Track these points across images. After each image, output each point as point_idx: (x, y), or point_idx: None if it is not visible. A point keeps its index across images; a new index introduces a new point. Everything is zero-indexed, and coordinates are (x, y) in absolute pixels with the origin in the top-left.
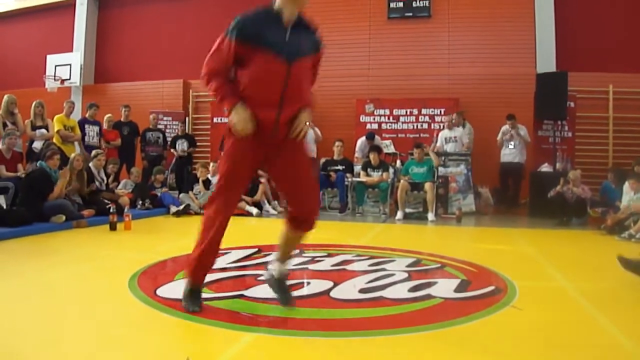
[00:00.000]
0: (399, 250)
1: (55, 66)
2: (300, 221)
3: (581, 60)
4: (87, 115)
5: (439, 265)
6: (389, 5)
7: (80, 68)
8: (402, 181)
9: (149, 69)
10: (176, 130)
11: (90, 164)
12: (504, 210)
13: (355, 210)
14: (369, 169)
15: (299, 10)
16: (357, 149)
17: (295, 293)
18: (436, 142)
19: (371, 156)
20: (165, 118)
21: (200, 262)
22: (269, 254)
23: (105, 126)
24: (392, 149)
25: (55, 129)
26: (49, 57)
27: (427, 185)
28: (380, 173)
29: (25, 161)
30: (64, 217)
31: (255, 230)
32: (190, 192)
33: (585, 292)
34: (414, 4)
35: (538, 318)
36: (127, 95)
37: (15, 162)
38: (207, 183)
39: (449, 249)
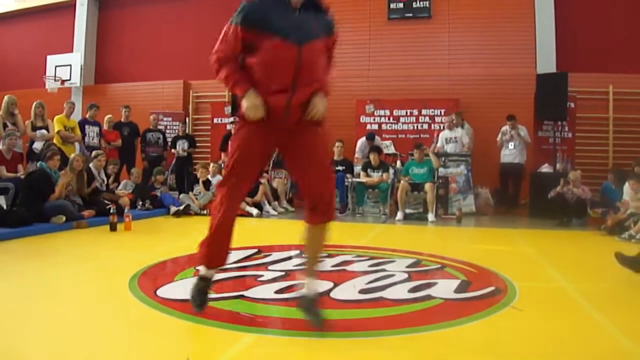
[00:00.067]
0: (399, 250)
1: (56, 67)
2: (312, 209)
3: (581, 60)
4: (87, 116)
5: (439, 265)
6: (389, 5)
7: (81, 69)
8: (402, 182)
9: (149, 69)
10: (176, 131)
11: (91, 165)
12: (504, 211)
13: (355, 211)
14: (369, 170)
15: None
16: (357, 149)
17: (295, 294)
18: (436, 142)
19: (371, 157)
20: (165, 119)
21: (210, 246)
22: (269, 255)
23: (105, 127)
24: (392, 150)
25: (56, 130)
26: (49, 57)
27: (427, 186)
28: (380, 174)
29: (26, 162)
30: (64, 218)
31: (255, 230)
32: (190, 193)
33: (585, 293)
34: (414, 5)
35: (538, 319)
36: (127, 95)
37: (15, 162)
38: (207, 184)
39: (449, 249)
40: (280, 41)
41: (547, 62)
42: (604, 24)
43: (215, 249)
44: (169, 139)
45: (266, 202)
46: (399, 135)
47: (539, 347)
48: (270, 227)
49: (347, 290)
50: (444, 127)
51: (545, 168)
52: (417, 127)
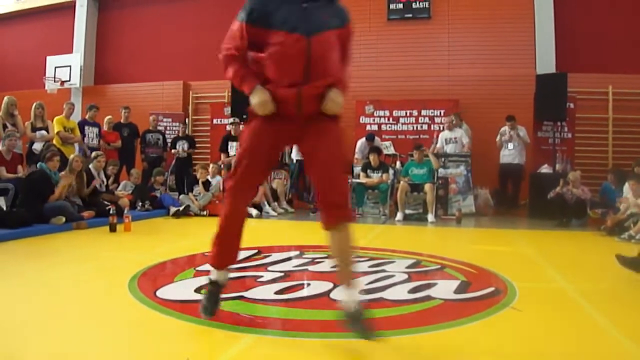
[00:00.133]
0: (398, 251)
1: (55, 67)
2: (325, 210)
3: (581, 61)
4: (87, 117)
5: (438, 266)
6: (389, 6)
7: (80, 69)
8: (402, 182)
9: (149, 70)
10: (176, 132)
11: (90, 166)
12: (503, 212)
13: (355, 212)
14: (368, 170)
15: None
16: (356, 150)
17: (295, 294)
18: (436, 143)
19: (371, 157)
20: (165, 119)
21: (218, 245)
22: (268, 256)
23: (105, 128)
24: (391, 150)
25: (55, 131)
26: (48, 58)
27: (427, 187)
28: (380, 174)
29: (26, 163)
30: (64, 219)
31: (255, 231)
32: (190, 194)
33: (585, 293)
34: (413, 5)
35: (538, 319)
36: (127, 96)
37: (15, 163)
38: (206, 184)
39: (448, 250)
40: (287, 34)
41: (546, 62)
42: (603, 25)
43: (223, 247)
44: (169, 140)
45: (266, 203)
46: (399, 136)
47: (539, 347)
48: (270, 228)
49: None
50: (443, 127)
51: (545, 168)
52: (417, 127)
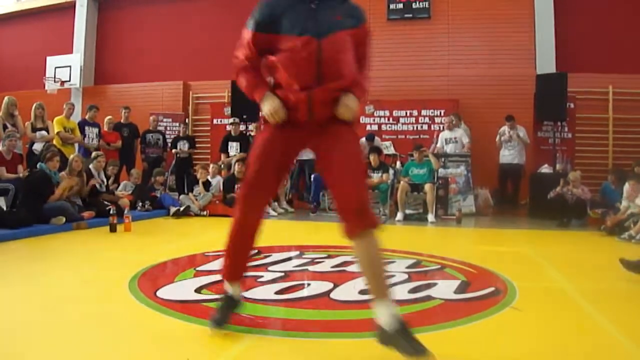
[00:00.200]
0: (399, 251)
1: (55, 68)
2: (346, 217)
3: (581, 61)
4: (87, 117)
5: (439, 266)
6: (389, 6)
7: (80, 70)
8: (402, 182)
9: (149, 70)
10: (176, 132)
11: (90, 166)
12: (504, 212)
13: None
14: (368, 171)
15: None
16: None
17: (296, 294)
18: (436, 143)
19: (371, 157)
20: (165, 119)
21: (228, 256)
22: (268, 256)
23: (105, 128)
24: (392, 150)
25: (55, 131)
26: (48, 58)
27: (427, 187)
28: (380, 174)
29: (26, 163)
30: (64, 219)
31: None
32: (190, 194)
33: (585, 293)
34: (413, 5)
35: (538, 319)
36: (127, 96)
37: (15, 163)
38: (207, 184)
39: (449, 250)
40: (296, 38)
41: (546, 62)
42: (603, 24)
43: (234, 259)
44: (169, 140)
45: None
46: (399, 136)
47: (539, 347)
48: (270, 228)
49: (347, 291)
50: (443, 127)
51: (545, 168)
52: (417, 127)
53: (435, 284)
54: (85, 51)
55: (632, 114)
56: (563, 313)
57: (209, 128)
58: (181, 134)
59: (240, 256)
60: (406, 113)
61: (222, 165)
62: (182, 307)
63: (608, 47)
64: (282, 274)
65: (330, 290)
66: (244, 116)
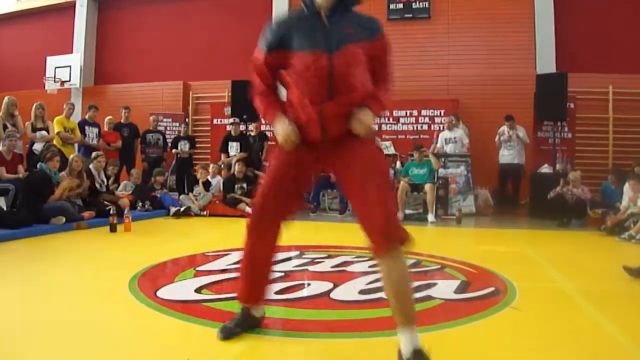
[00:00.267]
0: None
1: (55, 68)
2: (372, 237)
3: (581, 61)
4: (86, 117)
5: (438, 266)
6: (389, 6)
7: (80, 70)
8: (402, 182)
9: (149, 70)
10: (177, 132)
11: (91, 166)
12: (504, 212)
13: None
14: None
15: None
16: None
17: (296, 294)
18: (436, 143)
19: None
20: (165, 119)
21: (244, 280)
22: None
23: (105, 128)
24: (392, 150)
25: (56, 131)
26: (48, 58)
27: (427, 187)
28: None
29: (26, 163)
30: (64, 219)
31: None
32: (190, 194)
33: (585, 293)
34: (413, 5)
35: (538, 319)
36: (127, 96)
37: (15, 163)
38: (207, 184)
39: (449, 250)
40: (307, 54)
41: (546, 62)
42: (603, 24)
43: (248, 284)
44: (169, 140)
45: None
46: (399, 136)
47: (539, 347)
48: None
49: (347, 291)
50: (443, 127)
51: (545, 168)
52: (417, 127)
53: (435, 284)
54: (85, 51)
55: (632, 114)
56: (563, 313)
57: (209, 128)
58: (182, 134)
59: (255, 281)
60: (406, 113)
61: (222, 165)
62: (182, 307)
63: (608, 47)
64: (282, 274)
65: (330, 290)
66: (244, 116)
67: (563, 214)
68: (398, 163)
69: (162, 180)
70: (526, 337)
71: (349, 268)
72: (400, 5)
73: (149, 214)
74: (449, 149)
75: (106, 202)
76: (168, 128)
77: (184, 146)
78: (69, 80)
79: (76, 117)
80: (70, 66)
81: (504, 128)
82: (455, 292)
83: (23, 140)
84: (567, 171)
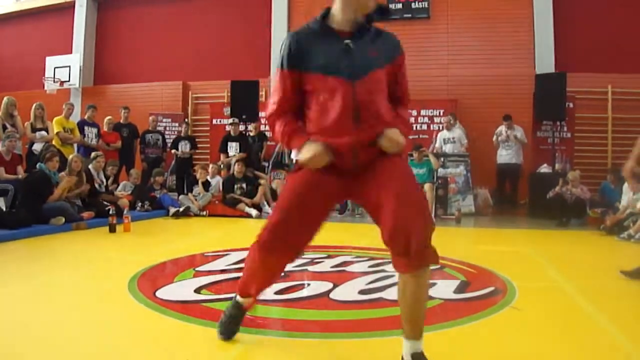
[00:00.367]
0: None
1: (55, 68)
2: (396, 251)
3: (580, 60)
4: (85, 117)
5: (438, 266)
6: (388, 6)
7: (80, 70)
8: None
9: (148, 70)
10: (176, 132)
11: (90, 166)
12: (503, 211)
13: (354, 211)
14: None
15: (362, 13)
16: None
17: (295, 295)
18: (435, 143)
19: None
20: (164, 120)
21: (248, 278)
22: None
23: (105, 128)
24: None
25: (55, 131)
26: (48, 59)
27: (427, 186)
28: None
29: (26, 163)
30: (63, 219)
31: (254, 232)
32: (189, 194)
33: (585, 292)
34: (412, 5)
35: (537, 318)
36: (126, 97)
37: (14, 164)
38: (206, 185)
39: (448, 249)
40: (328, 78)
41: (545, 62)
42: (602, 24)
43: (253, 282)
44: (168, 140)
45: (265, 203)
46: None
47: (539, 347)
48: None
49: (347, 291)
50: (442, 127)
51: (544, 168)
52: (416, 127)
53: (434, 284)
54: (85, 51)
55: (631, 114)
56: (562, 312)
57: (208, 128)
58: (182, 134)
59: (260, 283)
60: None
61: (222, 166)
62: (182, 308)
63: (607, 46)
64: (282, 274)
65: (330, 291)
66: (244, 116)
67: (562, 213)
68: None
69: (162, 180)
70: (526, 336)
71: (348, 268)
72: (400, 5)
73: (148, 214)
74: (447, 148)
75: (105, 203)
76: (167, 128)
77: (184, 146)
78: (69, 81)
79: (75, 117)
80: (69, 66)
81: (502, 128)
82: (455, 292)
83: (22, 140)
84: (566, 171)
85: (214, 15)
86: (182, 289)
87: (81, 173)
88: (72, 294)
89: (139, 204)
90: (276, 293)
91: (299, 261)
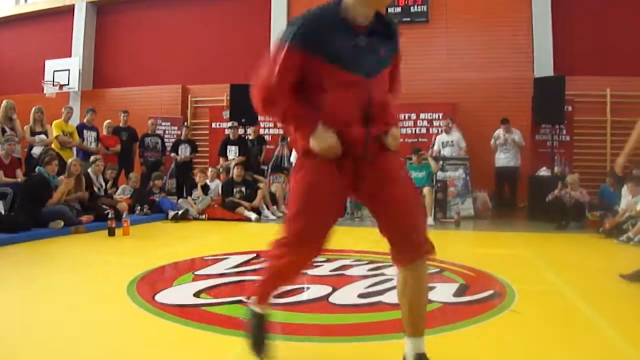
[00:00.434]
0: None
1: (54, 71)
2: (405, 248)
3: (579, 64)
4: (84, 121)
5: (437, 269)
6: (387, 10)
7: (79, 73)
8: None
9: (148, 74)
10: (175, 136)
11: (89, 170)
12: (502, 214)
13: (354, 215)
14: None
15: (378, 7)
16: None
17: (294, 298)
18: (433, 146)
19: None
20: (163, 123)
21: (270, 286)
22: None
23: (104, 132)
24: None
25: (54, 135)
26: (47, 62)
27: (426, 190)
28: None
29: (25, 167)
30: (62, 223)
31: (253, 235)
32: (189, 198)
33: (584, 296)
34: (411, 9)
35: (537, 322)
36: (125, 100)
37: (13, 167)
38: (205, 188)
39: (447, 253)
40: (344, 73)
41: (544, 65)
42: (601, 27)
43: (274, 288)
44: (167, 144)
45: (265, 207)
46: None
47: (538, 350)
48: (269, 232)
49: (346, 295)
50: (441, 130)
51: (543, 171)
52: (415, 131)
53: (433, 287)
54: (84, 55)
55: (630, 117)
56: (562, 316)
57: (207, 132)
58: (182, 137)
59: (283, 284)
60: (404, 116)
61: (221, 169)
62: (181, 312)
63: (606, 49)
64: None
65: (329, 294)
66: (243, 120)
67: (561, 216)
68: None
69: (161, 184)
70: (525, 339)
71: (347, 272)
72: (399, 9)
73: (147, 217)
74: (446, 152)
75: (104, 206)
76: (166, 132)
77: (184, 150)
78: (68, 84)
79: (75, 120)
80: (68, 70)
81: (500, 131)
82: (454, 295)
83: (22, 144)
84: (565, 174)
85: (213, 18)
86: (181, 293)
87: (80, 177)
88: (71, 298)
89: (138, 207)
90: (275, 297)
91: None
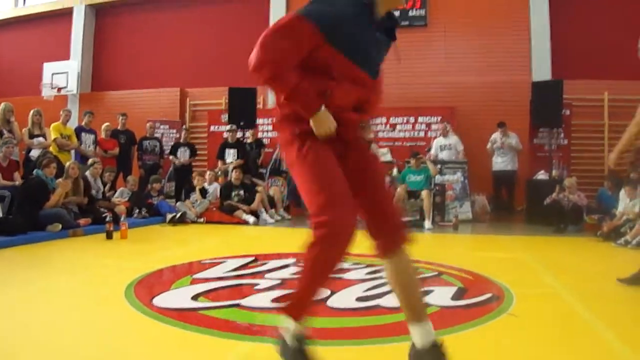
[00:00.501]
0: None
1: (52, 74)
2: (388, 234)
3: (576, 68)
4: (83, 123)
5: (435, 273)
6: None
7: (78, 76)
8: (398, 189)
9: (146, 77)
10: (174, 139)
11: (87, 173)
12: (500, 218)
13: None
14: None
15: (392, 8)
16: None
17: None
18: (431, 149)
19: None
20: (162, 126)
21: (309, 295)
22: (265, 263)
23: (102, 135)
24: (388, 158)
25: (52, 137)
26: (45, 65)
27: (424, 193)
28: None
29: (23, 169)
30: (60, 226)
31: (251, 239)
32: (187, 201)
33: (582, 299)
34: (410, 13)
35: (535, 325)
36: (124, 103)
37: (11, 170)
38: (203, 191)
39: (445, 256)
40: (356, 69)
41: (542, 69)
42: (598, 31)
43: (313, 296)
44: (166, 147)
45: (263, 210)
46: (396, 143)
47: (536, 353)
48: (267, 235)
49: (344, 298)
50: (438, 134)
51: (541, 175)
52: (414, 134)
53: (431, 291)
54: (83, 57)
55: (627, 121)
56: (560, 319)
57: (205, 135)
58: (181, 140)
59: (326, 282)
60: (403, 120)
61: (219, 172)
62: (179, 315)
63: (603, 53)
64: (279, 281)
65: (327, 298)
66: (241, 123)
67: (559, 220)
68: (395, 170)
69: (159, 187)
70: (523, 343)
71: (345, 275)
72: (397, 13)
73: (145, 221)
74: (443, 155)
75: (102, 209)
76: (165, 135)
77: (183, 153)
78: (66, 87)
79: (73, 123)
80: (67, 72)
81: (496, 135)
82: (452, 298)
83: (20, 146)
84: (563, 177)
85: (212, 22)
86: (179, 296)
87: (78, 180)
88: (69, 301)
89: (136, 210)
90: (273, 300)
91: (296, 268)
